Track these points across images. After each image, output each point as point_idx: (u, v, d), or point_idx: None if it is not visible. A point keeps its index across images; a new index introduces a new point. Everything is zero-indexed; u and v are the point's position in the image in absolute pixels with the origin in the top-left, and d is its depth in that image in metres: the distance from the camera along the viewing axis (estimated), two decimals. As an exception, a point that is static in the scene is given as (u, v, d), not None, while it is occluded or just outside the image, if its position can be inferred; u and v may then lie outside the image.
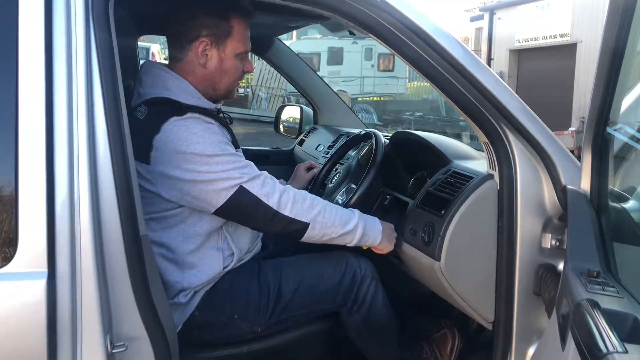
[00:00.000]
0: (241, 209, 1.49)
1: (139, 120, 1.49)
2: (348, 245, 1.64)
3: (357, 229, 1.61)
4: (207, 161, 1.43)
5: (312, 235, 1.55)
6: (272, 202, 1.49)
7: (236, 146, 1.58)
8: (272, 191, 1.50)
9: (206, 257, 1.58)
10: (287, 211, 1.50)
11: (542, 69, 15.24)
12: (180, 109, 1.48)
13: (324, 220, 1.55)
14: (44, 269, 1.09)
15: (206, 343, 1.65)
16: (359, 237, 1.62)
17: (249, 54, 1.69)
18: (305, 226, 1.53)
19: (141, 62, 2.59)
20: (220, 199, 1.46)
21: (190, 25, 1.55)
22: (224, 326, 1.62)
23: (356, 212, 1.65)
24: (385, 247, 1.70)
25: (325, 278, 1.72)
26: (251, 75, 18.50)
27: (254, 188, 1.47)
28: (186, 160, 1.43)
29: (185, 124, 1.45)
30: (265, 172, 1.54)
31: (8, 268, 1.09)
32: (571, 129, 10.00)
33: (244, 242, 1.67)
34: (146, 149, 1.44)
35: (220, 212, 1.49)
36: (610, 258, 1.17)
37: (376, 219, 1.69)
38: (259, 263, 1.71)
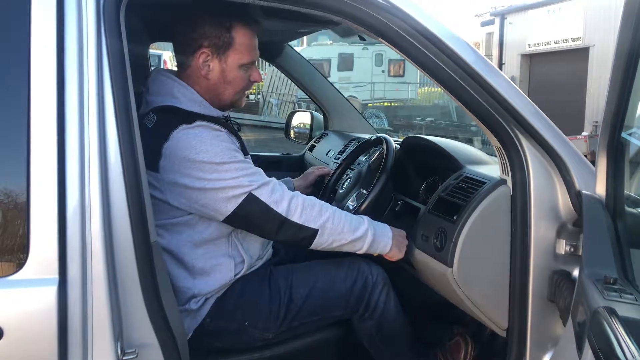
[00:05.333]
0: (250, 216, 1.48)
1: (147, 128, 1.49)
2: (358, 252, 1.63)
3: (366, 235, 1.60)
4: (216, 169, 1.43)
5: (321, 242, 1.54)
6: (281, 209, 1.48)
7: (245, 153, 1.58)
8: (281, 198, 1.49)
9: (217, 264, 1.57)
10: (296, 217, 1.49)
11: (554, 73, 15.15)
12: (189, 117, 1.48)
13: (333, 227, 1.54)
14: (55, 275, 1.09)
15: (217, 350, 1.64)
16: (369, 244, 1.60)
17: (258, 61, 1.68)
18: (314, 233, 1.52)
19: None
20: (230, 207, 1.45)
21: (193, 35, 1.53)
22: (235, 333, 1.62)
23: (366, 218, 1.64)
24: (395, 255, 1.68)
25: (336, 284, 1.70)
26: (262, 81, 18.58)
27: (263, 195, 1.47)
28: (195, 168, 1.43)
29: (194, 132, 1.45)
30: (274, 179, 1.53)
31: (20, 274, 1.09)
32: (584, 133, 9.92)
33: (254, 248, 1.66)
34: (155, 157, 1.43)
35: (229, 220, 1.49)
36: (627, 264, 1.15)
37: (386, 225, 1.68)
38: (270, 269, 1.70)
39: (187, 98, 1.54)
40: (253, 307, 1.62)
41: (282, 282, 1.67)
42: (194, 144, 1.43)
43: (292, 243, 1.56)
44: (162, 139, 1.44)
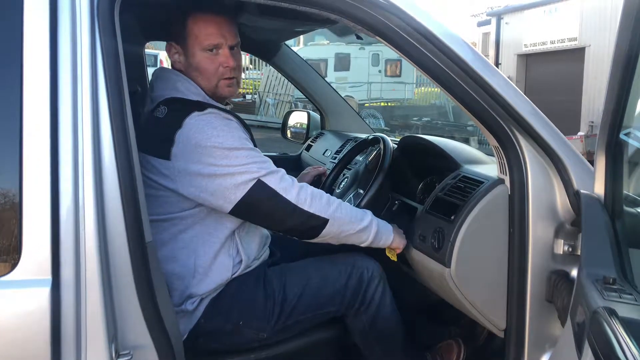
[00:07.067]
0: (259, 203, 1.47)
1: (159, 119, 1.51)
2: (363, 244, 1.62)
3: (372, 225, 1.61)
4: (226, 155, 1.44)
5: (330, 232, 1.54)
6: (290, 196, 1.48)
7: (254, 144, 1.58)
8: (290, 186, 1.49)
9: (217, 264, 1.57)
10: (306, 206, 1.50)
11: (550, 73, 15.17)
12: (199, 105, 1.50)
13: (341, 216, 1.55)
14: (48, 276, 1.08)
15: (213, 351, 1.63)
16: (374, 234, 1.61)
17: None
18: (324, 222, 1.52)
19: (149, 69, 2.60)
20: (238, 194, 1.45)
21: (163, 31, 1.62)
22: (230, 333, 1.61)
23: (368, 211, 1.65)
24: (400, 243, 1.69)
25: (330, 280, 1.70)
26: (258, 81, 18.56)
27: (271, 182, 1.47)
28: (206, 154, 1.43)
29: (207, 118, 1.47)
30: (283, 170, 1.53)
31: (12, 275, 1.08)
32: (580, 133, 9.95)
33: (252, 249, 1.65)
34: (167, 144, 1.45)
35: (237, 208, 1.47)
36: (626, 264, 1.14)
37: (386, 222, 1.69)
38: (264, 270, 1.69)
39: (190, 91, 1.56)
40: (247, 307, 1.61)
41: (276, 282, 1.66)
42: (206, 130, 1.45)
43: (300, 232, 1.54)
44: (175, 126, 1.46)
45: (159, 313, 1.22)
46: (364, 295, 1.71)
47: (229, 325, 1.60)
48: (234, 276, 1.60)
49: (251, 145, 1.53)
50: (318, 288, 1.68)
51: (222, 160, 1.44)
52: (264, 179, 1.46)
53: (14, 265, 1.08)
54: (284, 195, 1.47)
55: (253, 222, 1.59)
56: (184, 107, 1.50)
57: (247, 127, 1.62)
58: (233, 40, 1.60)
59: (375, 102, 18.92)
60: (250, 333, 1.62)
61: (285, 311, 1.64)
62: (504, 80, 1.41)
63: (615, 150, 1.21)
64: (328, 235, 1.55)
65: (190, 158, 1.44)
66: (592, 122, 12.47)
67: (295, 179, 1.55)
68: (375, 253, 1.72)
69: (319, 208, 1.52)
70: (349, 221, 1.56)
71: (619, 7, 1.11)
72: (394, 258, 1.71)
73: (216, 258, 1.56)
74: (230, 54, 1.59)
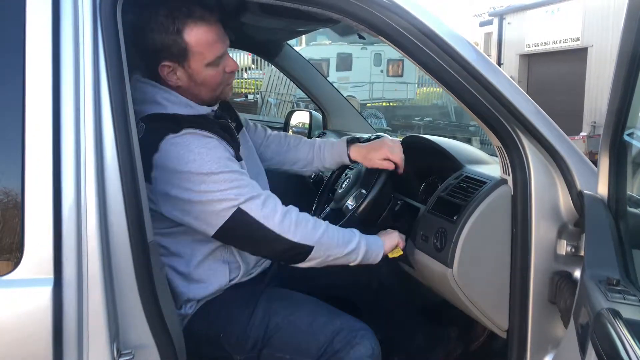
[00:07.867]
0: (240, 231, 1.40)
1: (138, 138, 1.41)
2: (351, 264, 1.54)
3: (360, 247, 1.53)
4: (203, 180, 1.37)
5: (315, 257, 1.46)
6: (272, 225, 1.40)
7: (240, 158, 1.51)
8: (272, 213, 1.41)
9: (212, 270, 1.54)
10: (290, 234, 1.41)
11: (553, 73, 15.17)
12: (177, 124, 1.41)
13: (329, 241, 1.46)
14: (50, 275, 1.08)
15: (204, 357, 1.58)
16: (363, 254, 1.53)
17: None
18: (309, 249, 1.44)
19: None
20: (219, 220, 1.38)
21: (148, 52, 1.44)
22: (210, 343, 1.54)
23: (356, 231, 1.56)
24: (394, 240, 1.62)
25: (316, 325, 1.55)
26: (260, 81, 18.55)
27: (252, 210, 1.39)
28: (184, 179, 1.37)
29: (182, 141, 1.38)
30: (267, 192, 1.46)
31: (14, 274, 1.08)
32: (582, 133, 9.94)
33: (250, 255, 1.60)
34: (147, 168, 1.36)
35: (219, 234, 1.41)
36: (629, 265, 1.14)
37: (377, 237, 1.62)
38: (263, 289, 1.62)
39: (172, 102, 1.47)
40: (231, 320, 1.55)
41: (265, 304, 1.57)
42: (182, 154, 1.37)
43: (284, 259, 1.49)
44: (152, 149, 1.38)
45: (161, 312, 1.22)
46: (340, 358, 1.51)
47: (211, 332, 1.54)
48: (232, 282, 1.56)
49: (233, 165, 1.43)
50: (299, 328, 1.54)
51: (199, 186, 1.36)
52: (243, 207, 1.38)
53: (16, 264, 1.08)
54: (265, 224, 1.39)
55: (237, 247, 1.53)
56: (160, 128, 1.40)
57: (233, 137, 1.52)
58: (228, 40, 1.50)
59: (377, 102, 18.91)
60: (227, 349, 1.54)
61: (265, 338, 1.53)
62: (507, 80, 1.41)
63: (618, 150, 1.20)
64: (314, 260, 1.47)
65: (169, 182, 1.38)
66: (595, 122, 12.48)
67: (278, 202, 1.44)
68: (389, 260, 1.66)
69: (304, 235, 1.43)
70: (336, 245, 1.48)
71: (621, 7, 1.11)
72: (397, 254, 1.66)
73: (210, 264, 1.53)
74: (230, 56, 1.51)
